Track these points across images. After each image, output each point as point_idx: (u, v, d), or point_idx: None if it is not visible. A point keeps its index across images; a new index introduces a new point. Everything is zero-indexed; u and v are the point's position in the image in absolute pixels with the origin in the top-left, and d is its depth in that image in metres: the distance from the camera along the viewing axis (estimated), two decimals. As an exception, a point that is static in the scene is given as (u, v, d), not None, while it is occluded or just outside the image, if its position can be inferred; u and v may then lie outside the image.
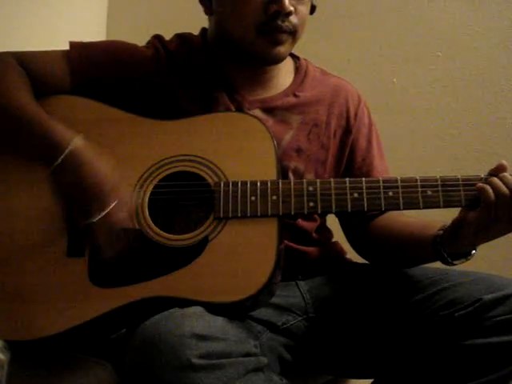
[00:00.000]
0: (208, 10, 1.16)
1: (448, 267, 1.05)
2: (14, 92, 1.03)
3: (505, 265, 1.83)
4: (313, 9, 1.16)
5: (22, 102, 1.02)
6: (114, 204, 0.96)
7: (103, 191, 0.96)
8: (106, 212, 0.95)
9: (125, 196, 0.98)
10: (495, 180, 0.96)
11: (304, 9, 1.11)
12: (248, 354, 0.88)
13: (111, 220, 0.96)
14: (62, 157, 0.96)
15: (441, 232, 1.02)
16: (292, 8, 1.06)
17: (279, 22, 1.06)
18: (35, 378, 0.97)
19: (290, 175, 1.15)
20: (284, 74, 1.21)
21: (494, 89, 1.87)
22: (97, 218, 0.94)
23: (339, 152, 1.22)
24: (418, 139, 1.93)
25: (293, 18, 1.08)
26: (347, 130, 1.22)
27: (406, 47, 1.94)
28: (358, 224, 1.22)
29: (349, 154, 1.23)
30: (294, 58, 1.26)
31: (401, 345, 1.06)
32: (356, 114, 1.24)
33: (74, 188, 0.97)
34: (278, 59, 1.13)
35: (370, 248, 1.22)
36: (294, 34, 1.10)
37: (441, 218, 1.05)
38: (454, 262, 1.03)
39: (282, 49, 1.10)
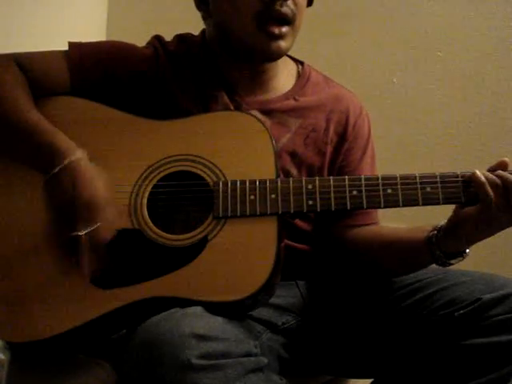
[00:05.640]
0: (206, 14, 1.15)
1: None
2: (14, 99, 1.02)
3: (505, 265, 1.83)
4: (310, 1, 1.15)
5: (22, 110, 1.01)
6: (100, 223, 0.95)
7: (93, 208, 0.95)
8: (91, 229, 0.94)
9: (112, 217, 0.97)
10: (500, 172, 0.95)
11: None
12: (248, 354, 0.88)
13: (96, 237, 0.95)
14: (60, 166, 0.95)
15: (435, 232, 1.01)
16: None
17: (277, 7, 1.05)
18: (35, 378, 0.97)
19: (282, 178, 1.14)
20: (285, 77, 1.21)
21: (493, 88, 1.88)
22: (82, 233, 0.93)
23: (334, 159, 1.20)
24: (418, 139, 1.94)
25: (291, 3, 1.07)
26: (343, 138, 1.21)
27: (406, 47, 1.95)
28: (337, 233, 1.18)
29: (341, 162, 1.21)
30: (298, 62, 1.25)
31: (400, 344, 1.06)
32: (355, 124, 1.22)
33: (65, 199, 0.96)
34: (279, 54, 1.11)
35: (353, 259, 1.18)
36: (292, 23, 1.08)
37: (440, 218, 1.05)
38: (451, 262, 1.02)
39: (282, 43, 1.09)
